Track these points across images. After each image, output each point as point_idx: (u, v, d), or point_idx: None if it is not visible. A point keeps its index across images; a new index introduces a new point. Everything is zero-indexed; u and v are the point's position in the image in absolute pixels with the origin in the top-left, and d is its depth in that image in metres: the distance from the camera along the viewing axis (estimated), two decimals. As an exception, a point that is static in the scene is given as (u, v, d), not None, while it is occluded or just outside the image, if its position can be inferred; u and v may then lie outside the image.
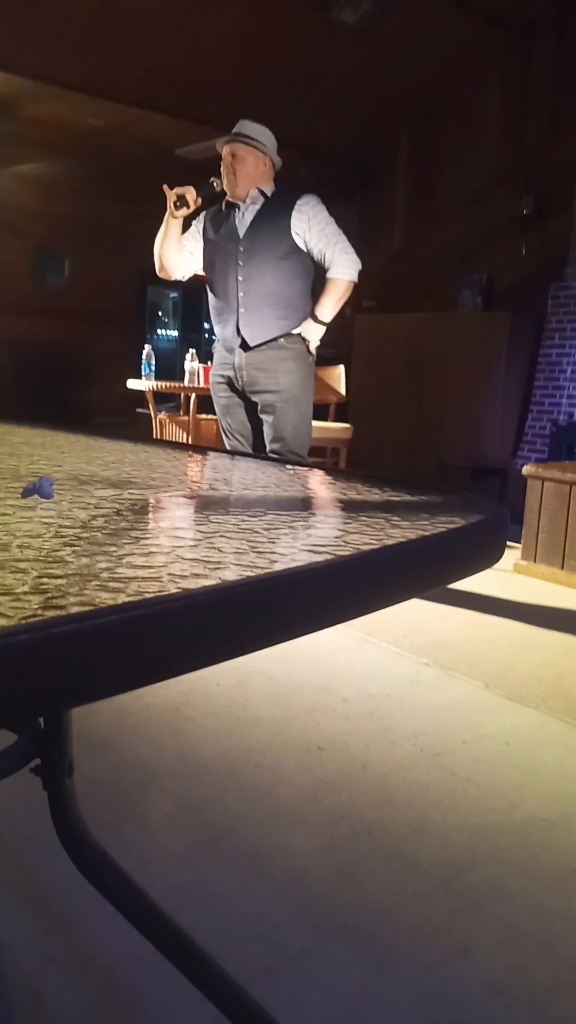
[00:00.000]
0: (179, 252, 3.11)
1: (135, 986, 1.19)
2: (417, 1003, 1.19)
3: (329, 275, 3.05)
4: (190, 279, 3.27)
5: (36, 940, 1.28)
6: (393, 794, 1.76)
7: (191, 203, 2.94)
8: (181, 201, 2.93)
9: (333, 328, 3.21)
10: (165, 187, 2.95)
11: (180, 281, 3.24)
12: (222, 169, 3.01)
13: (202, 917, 1.33)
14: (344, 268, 3.03)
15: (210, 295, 3.16)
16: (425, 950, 1.30)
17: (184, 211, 2.96)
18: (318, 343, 3.11)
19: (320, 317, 3.06)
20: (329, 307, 3.06)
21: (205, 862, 1.49)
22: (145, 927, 1.06)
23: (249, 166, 2.98)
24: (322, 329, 3.09)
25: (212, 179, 3.00)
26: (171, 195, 2.94)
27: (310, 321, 3.06)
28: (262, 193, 3.01)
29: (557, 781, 1.86)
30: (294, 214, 2.97)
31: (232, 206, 3.04)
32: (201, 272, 3.21)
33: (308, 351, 3.09)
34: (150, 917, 1.05)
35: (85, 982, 1.21)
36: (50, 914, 1.34)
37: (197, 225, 3.15)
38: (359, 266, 3.07)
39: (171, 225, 3.03)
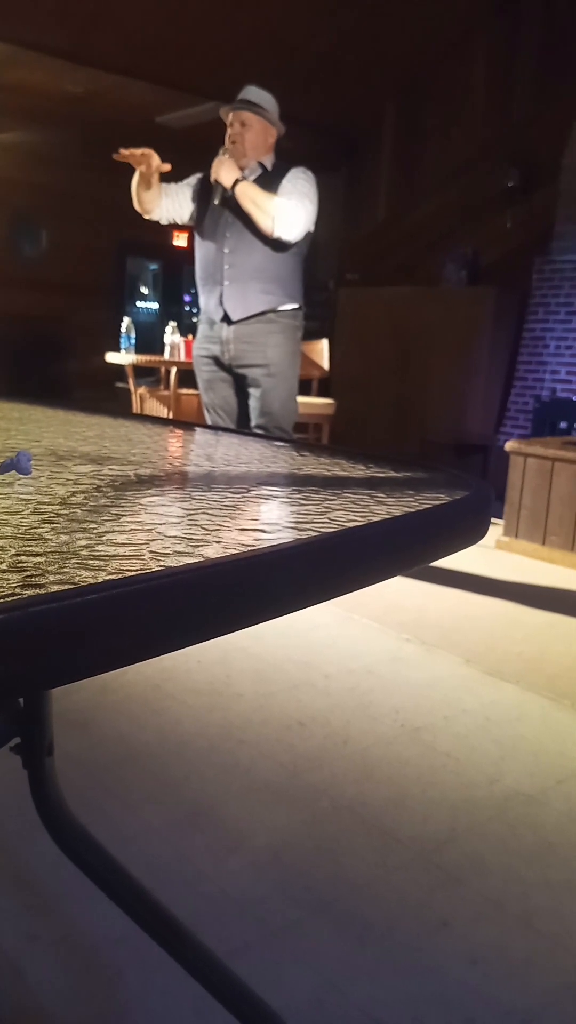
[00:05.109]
0: (158, 194, 3.00)
1: (117, 962, 1.19)
2: (396, 976, 1.20)
3: (279, 203, 2.85)
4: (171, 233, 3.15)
5: (17, 918, 1.28)
6: (374, 769, 1.77)
7: (153, 167, 2.85)
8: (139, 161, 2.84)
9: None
10: (124, 152, 2.85)
11: (159, 223, 3.12)
12: (227, 137, 2.93)
13: (183, 893, 1.33)
14: (283, 221, 2.84)
15: (196, 266, 3.11)
16: (404, 924, 1.31)
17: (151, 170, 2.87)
18: (224, 181, 2.88)
19: (241, 186, 2.85)
20: (251, 196, 2.84)
21: (186, 838, 1.50)
22: (126, 904, 1.06)
23: (257, 134, 2.92)
24: (231, 179, 2.86)
25: (223, 150, 2.92)
26: (135, 161, 2.86)
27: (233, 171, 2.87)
28: (261, 166, 2.96)
29: (536, 756, 1.88)
30: (282, 183, 2.91)
31: None
32: (179, 222, 3.11)
33: (295, 324, 3.04)
34: (131, 894, 1.05)
35: (67, 959, 1.21)
36: (31, 892, 1.34)
37: (190, 182, 3.08)
38: (287, 234, 2.87)
39: (140, 176, 2.95)
